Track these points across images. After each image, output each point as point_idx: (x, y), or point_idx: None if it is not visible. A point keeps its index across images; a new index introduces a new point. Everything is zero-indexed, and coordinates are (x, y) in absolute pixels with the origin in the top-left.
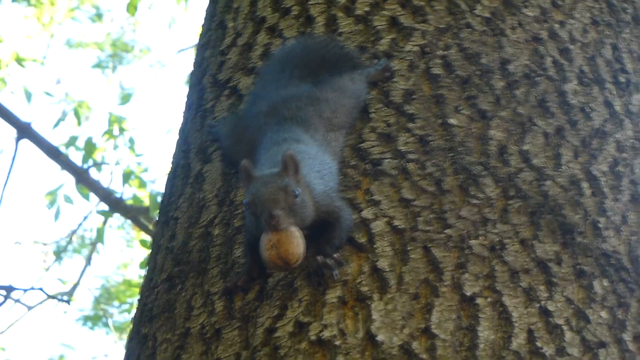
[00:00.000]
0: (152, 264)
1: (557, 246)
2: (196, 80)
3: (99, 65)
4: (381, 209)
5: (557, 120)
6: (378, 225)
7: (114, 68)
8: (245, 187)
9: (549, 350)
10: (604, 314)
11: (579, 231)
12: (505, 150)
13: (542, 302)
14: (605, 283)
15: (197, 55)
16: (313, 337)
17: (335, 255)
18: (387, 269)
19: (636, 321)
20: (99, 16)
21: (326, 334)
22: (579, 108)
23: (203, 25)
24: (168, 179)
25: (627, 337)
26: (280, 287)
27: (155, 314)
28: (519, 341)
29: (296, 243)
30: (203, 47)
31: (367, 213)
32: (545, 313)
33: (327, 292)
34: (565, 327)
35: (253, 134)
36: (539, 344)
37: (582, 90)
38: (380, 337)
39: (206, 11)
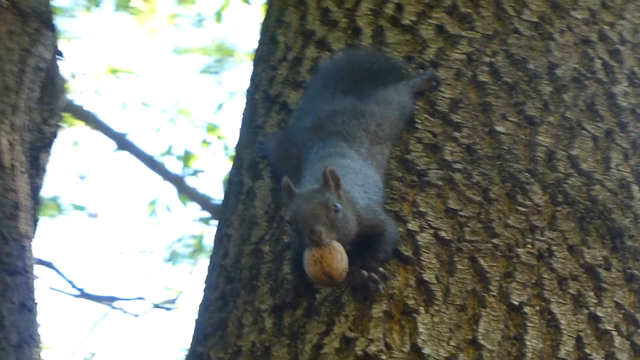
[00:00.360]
0: (207, 281)
1: (606, 251)
2: (249, 96)
3: (205, 70)
4: (427, 220)
5: (606, 124)
6: (424, 237)
7: (218, 73)
8: (287, 204)
9: (597, 356)
10: None
11: (629, 234)
12: (554, 155)
13: (591, 308)
14: None
15: (252, 70)
16: (359, 352)
17: (380, 269)
18: (434, 281)
19: None
20: (200, 22)
21: (372, 348)
22: (629, 110)
23: (258, 40)
24: (224, 195)
25: None
26: (328, 303)
27: (209, 332)
28: (567, 349)
29: (339, 258)
30: (256, 62)
31: (413, 225)
32: (594, 319)
33: (373, 306)
34: (614, 333)
35: (299, 149)
36: (587, 350)
37: (633, 92)
38: (426, 350)
39: (261, 26)
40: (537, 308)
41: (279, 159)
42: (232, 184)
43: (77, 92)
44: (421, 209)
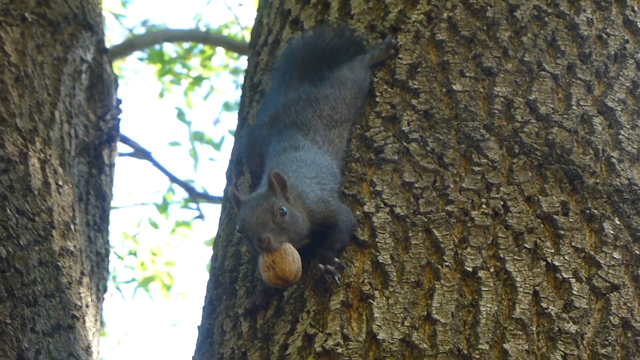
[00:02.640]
0: (206, 288)
1: (564, 195)
2: (242, 86)
3: None
4: (383, 199)
5: (567, 59)
6: (379, 218)
7: None
8: (237, 213)
9: (554, 308)
10: (616, 254)
11: (590, 172)
12: (512, 104)
13: (549, 259)
14: (617, 221)
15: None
16: (318, 349)
17: (336, 259)
18: (388, 262)
19: None
20: None
21: (330, 342)
22: (593, 37)
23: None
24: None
25: None
26: (293, 300)
27: (200, 340)
28: (522, 307)
29: (291, 260)
30: (249, 48)
31: (369, 207)
32: (552, 269)
33: (332, 298)
34: (572, 280)
35: (261, 146)
36: (544, 304)
37: (600, 16)
38: (381, 335)
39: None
40: (492, 270)
41: (248, 156)
42: (226, 180)
43: None
44: (377, 188)
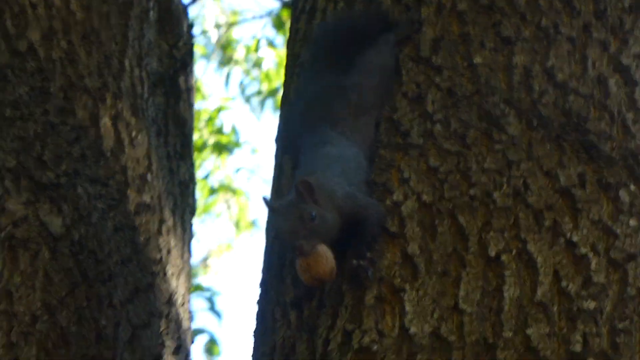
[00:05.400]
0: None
1: (581, 166)
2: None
3: None
4: (410, 187)
5: (583, 18)
6: (407, 207)
7: None
8: (270, 218)
9: (574, 286)
10: (632, 221)
11: (606, 137)
12: (530, 74)
13: (568, 235)
14: (632, 187)
15: None
16: (356, 346)
17: (368, 254)
18: (417, 253)
19: None
20: None
21: (366, 339)
22: None
23: None
24: None
25: None
26: (333, 293)
27: (257, 324)
28: (544, 288)
29: (325, 261)
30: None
31: (397, 195)
32: (571, 245)
33: (366, 293)
34: (590, 255)
35: (295, 140)
36: (564, 283)
37: None
38: (412, 330)
39: None
40: (514, 252)
41: (286, 147)
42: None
43: None
44: (405, 175)
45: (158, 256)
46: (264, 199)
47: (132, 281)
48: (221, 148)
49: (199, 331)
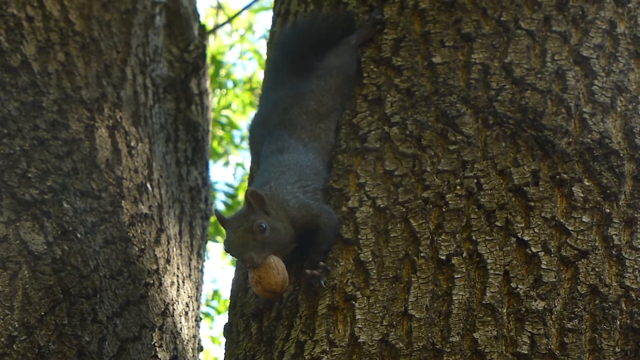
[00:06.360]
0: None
1: (535, 163)
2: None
3: None
4: (366, 192)
5: (543, 11)
6: (362, 212)
7: None
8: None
9: (523, 286)
10: (586, 217)
11: (562, 132)
12: (488, 71)
13: (519, 234)
14: (587, 182)
15: None
16: (307, 357)
17: (322, 263)
18: (369, 259)
19: (627, 206)
20: None
21: (317, 350)
22: None
23: None
24: None
25: (613, 231)
26: (290, 304)
27: (225, 337)
28: (492, 290)
29: (276, 273)
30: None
31: (353, 201)
32: (522, 244)
33: (319, 302)
34: (541, 254)
35: (256, 147)
36: (513, 284)
37: None
38: (362, 337)
39: None
40: (465, 255)
41: (251, 152)
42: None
43: None
44: (361, 180)
45: (154, 266)
46: (216, 211)
47: (122, 294)
48: None
49: None
